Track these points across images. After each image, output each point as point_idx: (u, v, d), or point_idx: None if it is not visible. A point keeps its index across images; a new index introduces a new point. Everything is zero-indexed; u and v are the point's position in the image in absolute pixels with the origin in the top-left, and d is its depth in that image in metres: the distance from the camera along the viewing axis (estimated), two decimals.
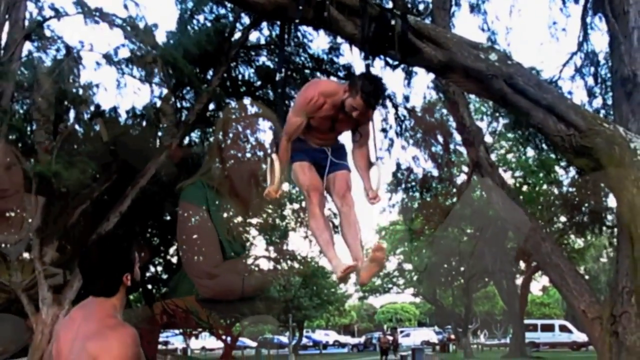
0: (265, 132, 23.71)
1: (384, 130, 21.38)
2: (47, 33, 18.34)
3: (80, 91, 19.41)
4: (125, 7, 18.43)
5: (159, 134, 21.58)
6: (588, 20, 16.25)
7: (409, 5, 17.41)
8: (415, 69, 15.89)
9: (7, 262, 16.90)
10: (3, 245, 16.97)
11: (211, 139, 25.07)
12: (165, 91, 21.65)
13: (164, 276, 33.54)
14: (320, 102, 4.59)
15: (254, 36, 21.86)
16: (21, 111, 19.10)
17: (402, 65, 4.97)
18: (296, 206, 32.43)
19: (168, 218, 29.14)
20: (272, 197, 4.93)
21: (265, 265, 38.18)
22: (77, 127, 21.39)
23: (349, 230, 4.96)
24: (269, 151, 5.21)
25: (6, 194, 16.09)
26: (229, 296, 37.23)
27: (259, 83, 23.38)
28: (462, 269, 43.55)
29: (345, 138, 5.02)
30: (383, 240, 49.84)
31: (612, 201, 16.62)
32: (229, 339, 45.11)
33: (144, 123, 22.25)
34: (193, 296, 43.73)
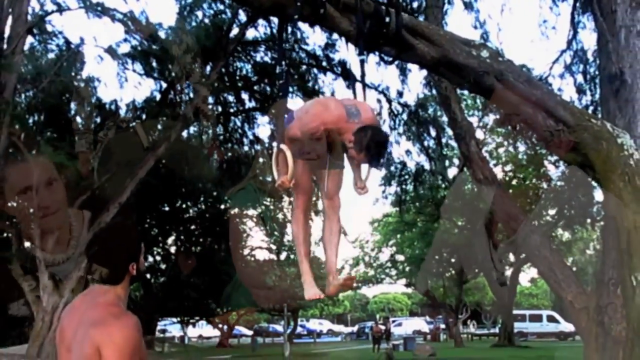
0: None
1: None
2: (49, 27, 18.34)
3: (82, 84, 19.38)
4: (125, 0, 18.45)
5: (159, 127, 21.57)
6: (577, 18, 16.28)
7: (404, 3, 17.40)
8: (409, 65, 15.91)
9: (57, 281, 16.76)
10: (51, 264, 16.70)
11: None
12: (164, 85, 21.66)
13: (162, 266, 33.58)
14: (321, 132, 4.50)
15: (251, 33, 21.84)
16: (23, 103, 19.09)
17: (396, 61, 4.96)
18: (293, 198, 32.44)
19: (167, 209, 29.16)
20: (287, 187, 4.81)
21: (262, 255, 38.27)
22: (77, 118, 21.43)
23: (330, 239, 4.89)
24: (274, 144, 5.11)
25: (48, 212, 15.85)
26: (289, 303, 37.54)
27: (256, 78, 23.38)
28: (452, 260, 43.64)
29: None
30: (376, 232, 49.90)
31: (599, 195, 16.67)
32: (225, 327, 45.25)
33: (144, 116, 22.25)
34: (253, 309, 44.00)
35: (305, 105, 4.56)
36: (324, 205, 4.97)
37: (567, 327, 41.56)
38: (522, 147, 28.62)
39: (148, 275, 31.38)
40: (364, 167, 4.97)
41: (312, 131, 4.33)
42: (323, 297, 4.76)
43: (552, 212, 28.17)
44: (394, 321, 54.91)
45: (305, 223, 4.80)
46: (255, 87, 23.57)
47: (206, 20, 20.60)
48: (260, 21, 20.39)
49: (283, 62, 5.26)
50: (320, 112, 4.25)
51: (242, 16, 19.99)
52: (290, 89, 21.49)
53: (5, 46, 14.09)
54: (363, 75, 4.70)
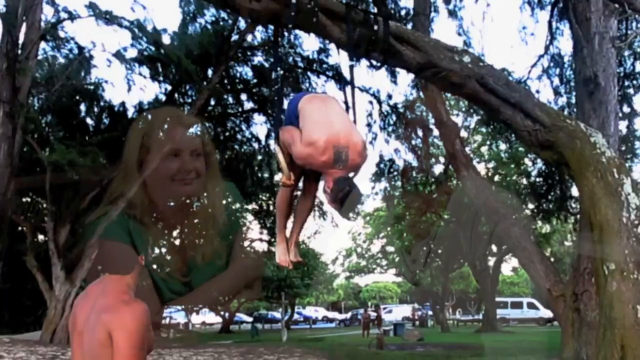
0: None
1: (368, 125, 21.47)
2: (61, 34, 18.31)
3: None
4: (132, 9, 18.44)
5: None
6: (554, 25, 16.32)
7: (393, 11, 17.42)
8: (398, 69, 15.92)
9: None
10: None
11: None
12: (169, 88, 21.65)
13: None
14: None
15: (250, 38, 21.85)
16: (37, 105, 19.07)
17: (384, 66, 4.97)
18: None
19: (172, 204, 29.11)
20: (289, 185, 4.69)
21: (260, 247, 38.25)
22: (88, 119, 21.42)
23: (301, 214, 4.76)
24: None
25: None
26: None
27: (255, 81, 23.40)
28: (439, 251, 43.70)
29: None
30: (368, 225, 49.93)
31: (575, 190, 16.70)
32: (226, 314, 45.25)
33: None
34: (253, 297, 43.38)
35: (307, 124, 4.07)
36: (304, 185, 4.80)
37: (546, 313, 41.63)
38: (503, 146, 28.67)
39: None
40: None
41: (295, 161, 4.20)
42: (290, 267, 4.64)
43: (531, 206, 28.21)
44: (384, 308, 54.94)
45: (288, 199, 4.65)
46: (254, 90, 23.57)
47: (208, 27, 20.60)
48: (259, 28, 20.40)
49: (278, 67, 5.24)
50: (307, 154, 4.00)
51: (242, 23, 19.99)
52: (286, 91, 21.45)
53: (20, 52, 14.09)
54: (352, 80, 4.69)
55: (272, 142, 23.94)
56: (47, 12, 17.15)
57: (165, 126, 3.53)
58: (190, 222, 3.34)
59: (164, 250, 3.42)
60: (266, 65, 22.41)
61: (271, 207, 30.54)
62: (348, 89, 4.93)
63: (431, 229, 37.84)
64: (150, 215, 3.47)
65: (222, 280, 3.71)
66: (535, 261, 12.22)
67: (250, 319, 51.75)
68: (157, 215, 3.48)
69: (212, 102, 23.09)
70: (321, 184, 4.75)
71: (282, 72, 5.21)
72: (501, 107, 4.93)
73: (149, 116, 4.14)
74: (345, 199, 3.98)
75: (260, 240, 36.15)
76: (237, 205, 3.50)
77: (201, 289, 3.58)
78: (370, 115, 21.31)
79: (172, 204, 3.40)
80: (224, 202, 3.59)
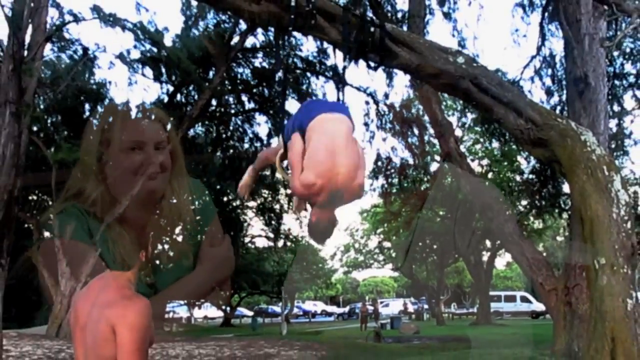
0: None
1: (366, 125, 21.49)
2: (66, 36, 18.30)
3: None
4: (138, 9, 18.42)
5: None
6: (546, 27, 16.33)
7: (389, 13, 17.42)
8: (394, 69, 15.91)
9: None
10: None
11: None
12: (171, 88, 21.63)
13: (170, 253, 33.53)
14: None
15: (250, 40, 21.85)
16: (42, 105, 19.07)
17: (381, 67, 4.96)
18: (289, 191, 32.50)
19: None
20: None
21: (261, 243, 38.31)
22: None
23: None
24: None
25: None
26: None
27: (255, 82, 23.40)
28: (435, 246, 43.73)
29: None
30: (365, 221, 49.89)
31: (566, 187, 16.71)
32: (228, 308, 45.25)
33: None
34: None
35: (309, 157, 3.80)
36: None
37: (538, 306, 41.65)
38: (496, 144, 28.69)
39: (157, 262, 31.31)
40: None
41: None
42: (245, 197, 4.45)
43: (524, 202, 28.23)
44: (382, 302, 54.97)
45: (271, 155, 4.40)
46: (255, 90, 23.58)
47: (210, 29, 20.61)
48: (259, 30, 20.40)
49: (280, 69, 5.26)
50: (301, 193, 3.79)
51: (243, 25, 19.99)
52: (287, 92, 21.48)
53: (25, 53, 14.05)
54: (344, 81, 4.68)
55: (275, 140, 24.07)
56: (53, 15, 17.17)
57: (127, 118, 3.39)
58: (154, 221, 3.16)
59: (126, 250, 3.26)
60: (266, 66, 22.43)
61: (273, 205, 30.61)
62: (347, 88, 4.96)
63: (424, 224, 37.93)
64: (112, 213, 3.31)
65: (189, 281, 3.48)
66: (528, 256, 12.24)
67: (251, 313, 51.78)
68: (120, 214, 3.32)
69: (214, 103, 23.09)
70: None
71: (283, 74, 5.22)
72: (494, 107, 4.93)
73: (110, 109, 3.95)
74: (317, 237, 3.90)
75: (267, 237, 36.32)
76: (205, 203, 3.29)
77: (166, 291, 3.41)
78: (367, 114, 21.33)
79: (135, 201, 3.23)
80: (191, 199, 3.38)
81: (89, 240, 3.25)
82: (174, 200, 3.30)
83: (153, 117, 3.60)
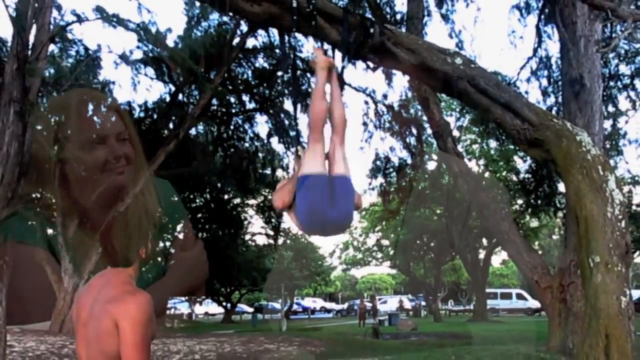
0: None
1: (364, 124, 21.48)
2: (70, 36, 18.27)
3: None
4: (140, 9, 18.39)
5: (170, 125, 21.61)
6: (542, 29, 16.33)
7: (388, 15, 17.42)
8: (393, 70, 15.93)
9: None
10: None
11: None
12: (173, 88, 21.64)
13: (171, 250, 33.59)
14: None
15: (251, 41, 21.87)
16: (46, 104, 19.05)
17: (379, 68, 4.97)
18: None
19: (175, 199, 29.14)
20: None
21: (261, 241, 38.33)
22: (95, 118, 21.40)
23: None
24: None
25: None
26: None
27: (256, 82, 23.42)
28: (432, 244, 43.76)
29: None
30: (364, 220, 49.93)
31: (562, 187, 16.73)
32: (228, 305, 45.27)
33: (155, 116, 22.25)
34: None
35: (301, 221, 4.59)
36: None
37: (534, 304, 41.68)
38: (493, 144, 28.73)
39: (159, 259, 31.32)
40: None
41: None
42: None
43: (520, 201, 28.27)
44: (380, 299, 55.01)
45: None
46: (255, 90, 23.59)
47: (211, 30, 20.61)
48: (260, 31, 20.41)
49: (287, 70, 5.27)
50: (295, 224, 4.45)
51: (244, 26, 20.00)
52: (285, 92, 21.53)
53: (29, 53, 14.03)
54: (343, 81, 4.71)
55: (275, 139, 24.09)
56: (57, 15, 17.15)
57: (82, 110, 3.24)
58: (121, 218, 3.05)
59: (88, 254, 3.16)
60: (266, 66, 22.45)
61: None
62: (345, 89, 4.98)
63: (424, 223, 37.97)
64: (72, 215, 3.20)
65: (161, 286, 3.37)
66: (523, 254, 12.26)
67: (251, 310, 51.80)
68: (81, 215, 3.21)
69: (215, 102, 23.11)
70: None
71: (292, 73, 5.25)
72: (491, 107, 4.92)
73: (59, 101, 3.74)
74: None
75: (267, 235, 36.35)
76: (173, 203, 3.13)
77: None
78: (366, 114, 21.34)
79: (101, 199, 3.14)
80: (156, 195, 3.21)
81: (46, 246, 3.14)
82: (141, 197, 3.12)
83: (108, 105, 3.49)
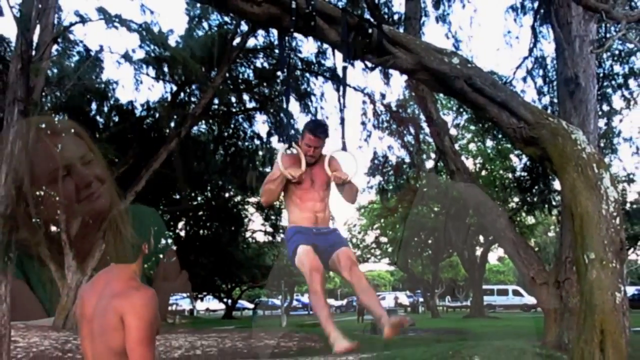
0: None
1: (363, 124, 21.50)
2: (72, 37, 18.29)
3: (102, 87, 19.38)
4: (143, 9, 18.35)
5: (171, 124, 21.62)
6: (537, 29, 16.33)
7: (385, 16, 17.42)
8: (390, 70, 15.92)
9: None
10: None
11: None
12: (175, 87, 21.63)
13: (173, 247, 33.64)
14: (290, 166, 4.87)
15: (251, 41, 21.87)
16: (50, 104, 19.08)
17: (378, 68, 4.98)
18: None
19: (177, 197, 29.17)
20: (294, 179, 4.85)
21: (262, 238, 38.34)
22: (97, 117, 21.45)
23: (365, 295, 4.83)
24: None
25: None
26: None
27: (256, 81, 23.43)
28: (430, 241, 43.78)
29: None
30: (362, 217, 49.94)
31: (557, 184, 16.73)
32: (229, 301, 45.29)
33: (157, 115, 22.26)
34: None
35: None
36: (348, 279, 4.87)
37: (530, 300, 41.74)
38: (490, 143, 28.73)
39: (160, 256, 31.36)
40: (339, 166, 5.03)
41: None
42: (354, 348, 4.66)
43: (516, 199, 28.29)
44: (378, 295, 54.96)
45: (322, 292, 4.71)
46: (255, 90, 23.60)
47: (212, 30, 20.61)
48: (260, 31, 20.42)
49: (284, 69, 5.29)
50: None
51: (244, 27, 20.01)
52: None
53: (33, 53, 14.03)
54: (345, 79, 4.76)
55: (274, 139, 24.07)
56: (61, 15, 17.15)
57: (40, 143, 3.20)
58: (99, 245, 2.96)
59: (91, 251, 3.13)
60: (267, 66, 22.45)
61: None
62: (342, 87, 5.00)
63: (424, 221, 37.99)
64: (47, 250, 3.15)
65: None
66: (519, 251, 12.24)
67: (251, 306, 51.83)
68: (59, 248, 3.16)
69: (216, 102, 23.11)
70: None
71: (287, 73, 5.27)
72: (488, 106, 4.92)
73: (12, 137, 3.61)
74: (309, 122, 4.96)
75: (266, 232, 36.36)
76: (156, 230, 3.07)
77: None
78: (364, 114, 21.35)
79: (81, 228, 3.10)
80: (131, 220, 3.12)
81: (21, 275, 3.09)
82: (118, 221, 3.07)
83: (63, 129, 3.45)
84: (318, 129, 4.93)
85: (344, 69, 4.69)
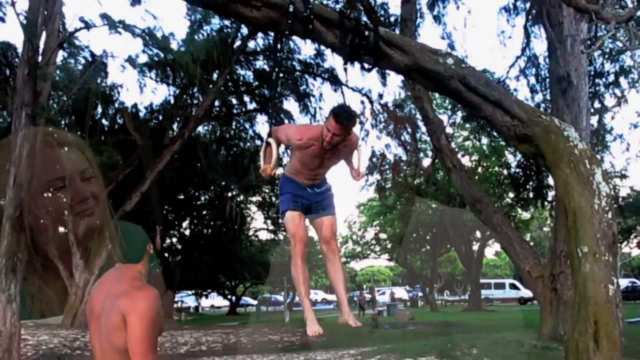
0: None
1: (361, 123, 21.53)
2: (77, 42, 18.30)
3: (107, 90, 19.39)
4: (146, 15, 18.33)
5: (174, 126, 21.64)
6: (530, 29, 16.34)
7: (382, 18, 17.43)
8: (387, 71, 15.92)
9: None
10: None
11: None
12: (177, 91, 21.64)
13: (178, 246, 33.66)
14: (308, 144, 4.80)
15: (251, 44, 21.88)
16: (56, 107, 19.09)
17: (375, 68, 4.98)
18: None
19: (181, 197, 29.17)
20: (267, 174, 4.91)
21: (264, 236, 38.37)
22: (103, 121, 21.45)
23: (335, 276, 4.98)
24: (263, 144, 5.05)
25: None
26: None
27: (256, 83, 23.43)
28: (428, 237, 43.78)
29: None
30: (362, 214, 49.97)
31: (550, 180, 16.75)
32: (233, 298, 45.33)
33: (160, 117, 22.26)
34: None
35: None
36: (324, 251, 5.03)
37: (526, 293, 41.75)
38: (485, 140, 28.75)
39: (166, 254, 31.37)
40: (355, 158, 5.05)
41: (298, 138, 4.91)
42: (322, 334, 4.81)
43: (511, 195, 28.30)
44: (378, 290, 55.04)
45: (303, 268, 4.85)
46: (256, 91, 23.61)
47: (213, 34, 20.62)
48: (260, 34, 20.42)
49: (278, 70, 5.30)
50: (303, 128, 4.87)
51: (244, 30, 20.01)
52: (285, 92, 21.54)
53: (40, 58, 14.05)
54: (346, 81, 4.79)
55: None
56: (66, 21, 17.17)
57: (37, 152, 3.23)
58: (107, 250, 3.02)
59: (48, 306, 3.14)
60: (267, 68, 22.46)
61: (274, 199, 30.66)
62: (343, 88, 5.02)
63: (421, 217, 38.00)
64: (34, 267, 3.19)
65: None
66: (515, 245, 12.25)
67: (255, 302, 51.85)
68: (44, 264, 3.20)
69: (218, 104, 23.12)
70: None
71: (280, 75, 5.28)
72: (482, 105, 4.92)
73: (9, 145, 3.71)
74: (337, 107, 4.96)
75: (268, 230, 36.38)
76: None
77: None
78: (362, 113, 21.37)
79: (69, 243, 3.13)
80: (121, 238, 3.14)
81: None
82: (108, 243, 3.02)
83: (67, 142, 3.51)
84: (343, 117, 4.76)
85: (345, 70, 4.73)
